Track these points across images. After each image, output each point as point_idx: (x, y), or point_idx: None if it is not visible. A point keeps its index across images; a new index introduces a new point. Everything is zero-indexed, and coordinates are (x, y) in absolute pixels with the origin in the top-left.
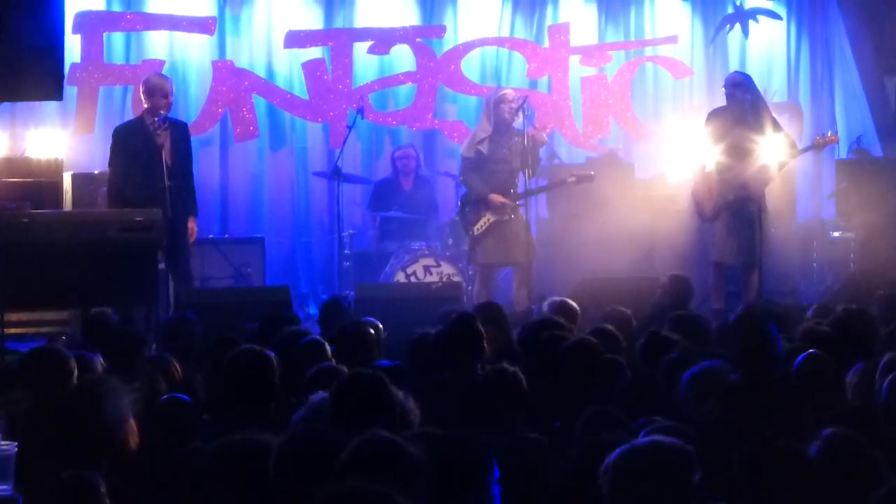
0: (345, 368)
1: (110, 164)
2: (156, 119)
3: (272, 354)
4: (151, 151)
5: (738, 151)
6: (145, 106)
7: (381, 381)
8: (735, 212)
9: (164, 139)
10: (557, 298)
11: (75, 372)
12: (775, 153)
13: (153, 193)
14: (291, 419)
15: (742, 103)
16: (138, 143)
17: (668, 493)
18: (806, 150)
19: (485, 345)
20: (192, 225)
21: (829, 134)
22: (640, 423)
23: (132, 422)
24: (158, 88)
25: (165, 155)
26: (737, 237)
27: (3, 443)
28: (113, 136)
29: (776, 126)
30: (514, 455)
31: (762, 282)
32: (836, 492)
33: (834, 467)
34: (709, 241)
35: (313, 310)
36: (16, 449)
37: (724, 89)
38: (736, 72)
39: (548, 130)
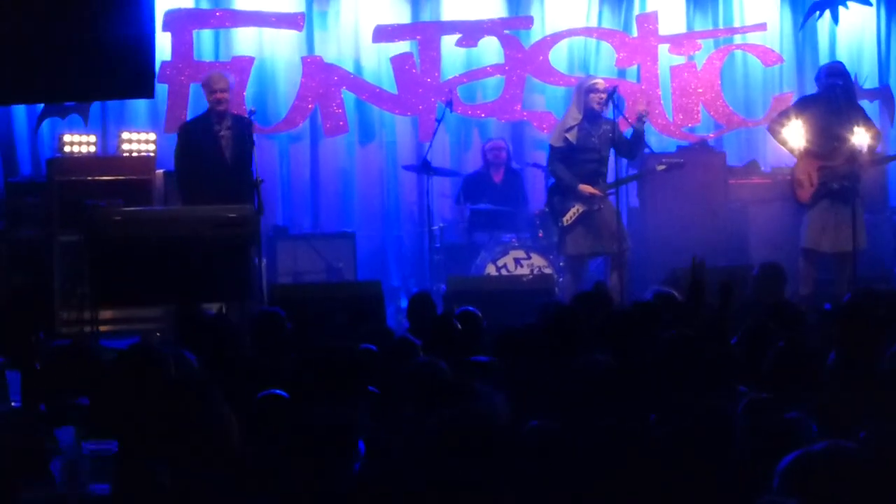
0: (442, 363)
1: (176, 161)
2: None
3: (372, 348)
4: (211, 148)
5: (838, 140)
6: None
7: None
8: (835, 201)
9: (226, 136)
10: (663, 289)
11: (172, 370)
12: (866, 143)
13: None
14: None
15: (835, 89)
16: (201, 140)
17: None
18: None
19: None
20: None
21: None
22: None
23: (233, 419)
24: (204, 84)
25: (223, 152)
26: (835, 228)
27: (101, 442)
28: (179, 132)
29: (866, 118)
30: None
31: (856, 269)
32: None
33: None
34: (801, 227)
35: (405, 303)
36: (115, 448)
37: (818, 80)
38: (832, 61)
39: (642, 108)
